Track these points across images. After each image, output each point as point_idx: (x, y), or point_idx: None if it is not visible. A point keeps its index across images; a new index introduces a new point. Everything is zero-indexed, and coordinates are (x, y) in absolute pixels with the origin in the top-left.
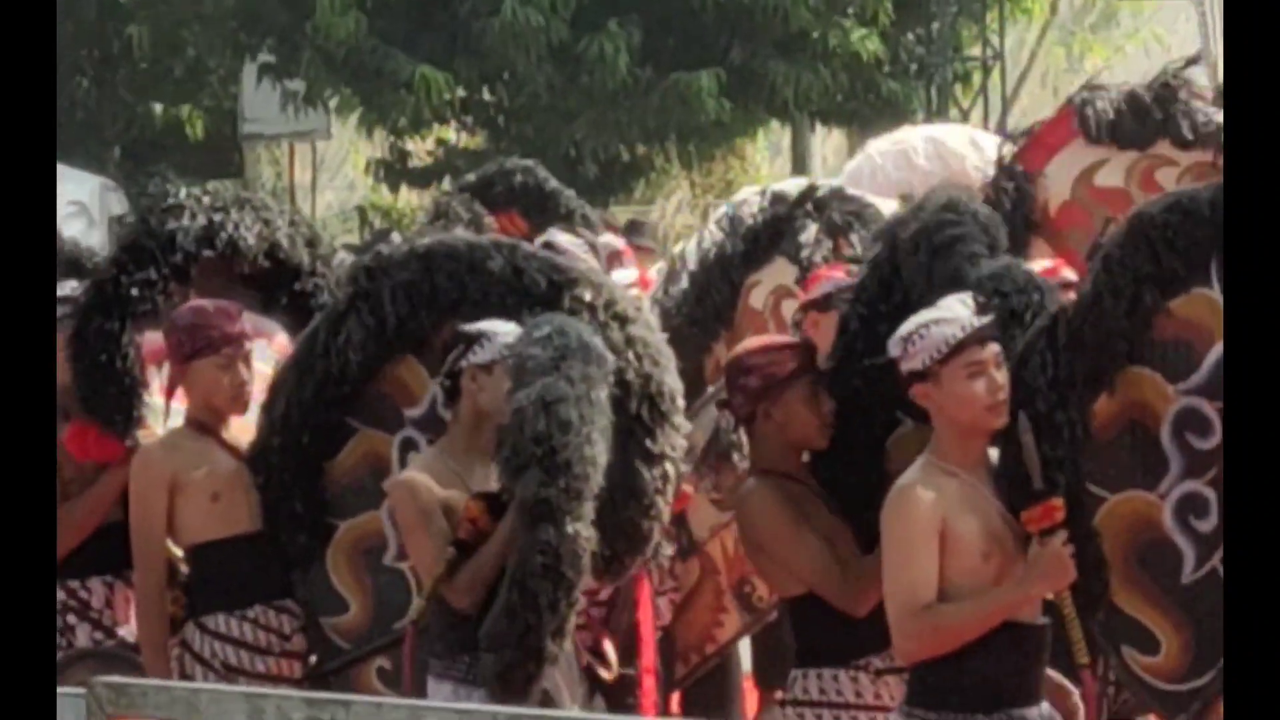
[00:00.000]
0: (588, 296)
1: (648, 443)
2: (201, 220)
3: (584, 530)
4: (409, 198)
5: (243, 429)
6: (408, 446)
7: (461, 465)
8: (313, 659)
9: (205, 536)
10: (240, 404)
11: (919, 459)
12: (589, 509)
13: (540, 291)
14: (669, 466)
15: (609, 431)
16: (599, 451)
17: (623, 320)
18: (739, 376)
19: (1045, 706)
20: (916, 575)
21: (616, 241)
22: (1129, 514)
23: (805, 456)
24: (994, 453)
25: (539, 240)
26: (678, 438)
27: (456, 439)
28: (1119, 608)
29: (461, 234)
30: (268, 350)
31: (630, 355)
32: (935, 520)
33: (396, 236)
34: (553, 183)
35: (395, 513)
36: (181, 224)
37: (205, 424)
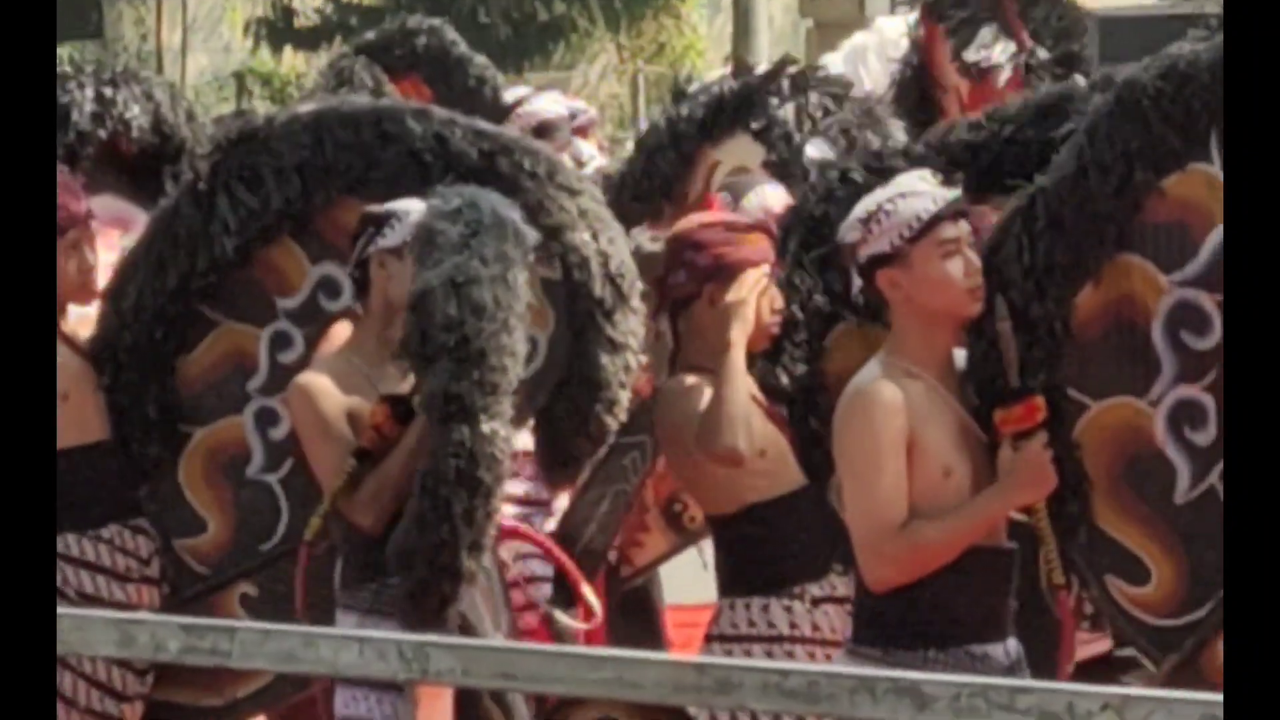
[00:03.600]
0: (527, 164)
1: (609, 329)
2: (90, 93)
3: (502, 429)
4: (294, 62)
5: (81, 321)
6: (280, 342)
7: (370, 365)
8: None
9: None
10: (87, 292)
11: (875, 358)
12: (507, 405)
13: (470, 163)
14: (630, 356)
15: (527, 317)
16: (517, 340)
17: (570, 191)
18: (687, 251)
19: (1012, 643)
20: (889, 490)
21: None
22: (1115, 423)
23: None
24: (960, 355)
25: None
26: (637, 322)
27: (365, 336)
28: (1102, 531)
29: (363, 98)
30: (125, 239)
31: (585, 231)
32: (903, 427)
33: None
34: (461, 47)
35: (294, 419)
36: (73, 97)
37: None
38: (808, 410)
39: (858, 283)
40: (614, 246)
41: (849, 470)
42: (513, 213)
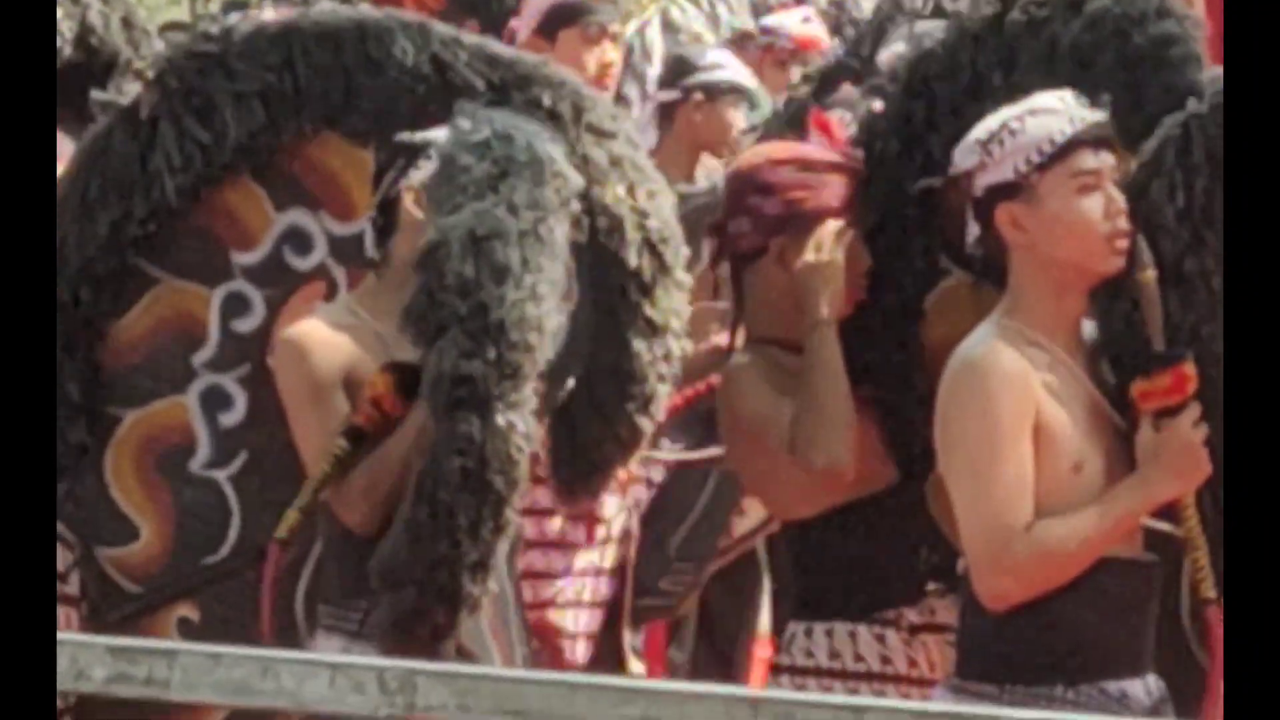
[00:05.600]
0: (547, 100)
1: (646, 307)
2: None
3: (521, 423)
4: None
5: None
6: (234, 305)
7: (384, 323)
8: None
9: None
10: None
11: (987, 321)
12: (529, 393)
13: (476, 95)
14: (672, 341)
15: (563, 285)
16: (547, 312)
17: (601, 134)
18: (751, 194)
19: (1153, 680)
20: (1011, 482)
21: None
22: None
23: None
24: (1089, 327)
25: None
26: (682, 298)
27: (383, 287)
28: None
29: (344, 8)
30: None
31: (618, 184)
32: (1029, 404)
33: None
34: None
35: (278, 380)
36: None
37: None
38: (901, 390)
39: (973, 229)
40: (654, 204)
41: (960, 459)
42: (554, 149)
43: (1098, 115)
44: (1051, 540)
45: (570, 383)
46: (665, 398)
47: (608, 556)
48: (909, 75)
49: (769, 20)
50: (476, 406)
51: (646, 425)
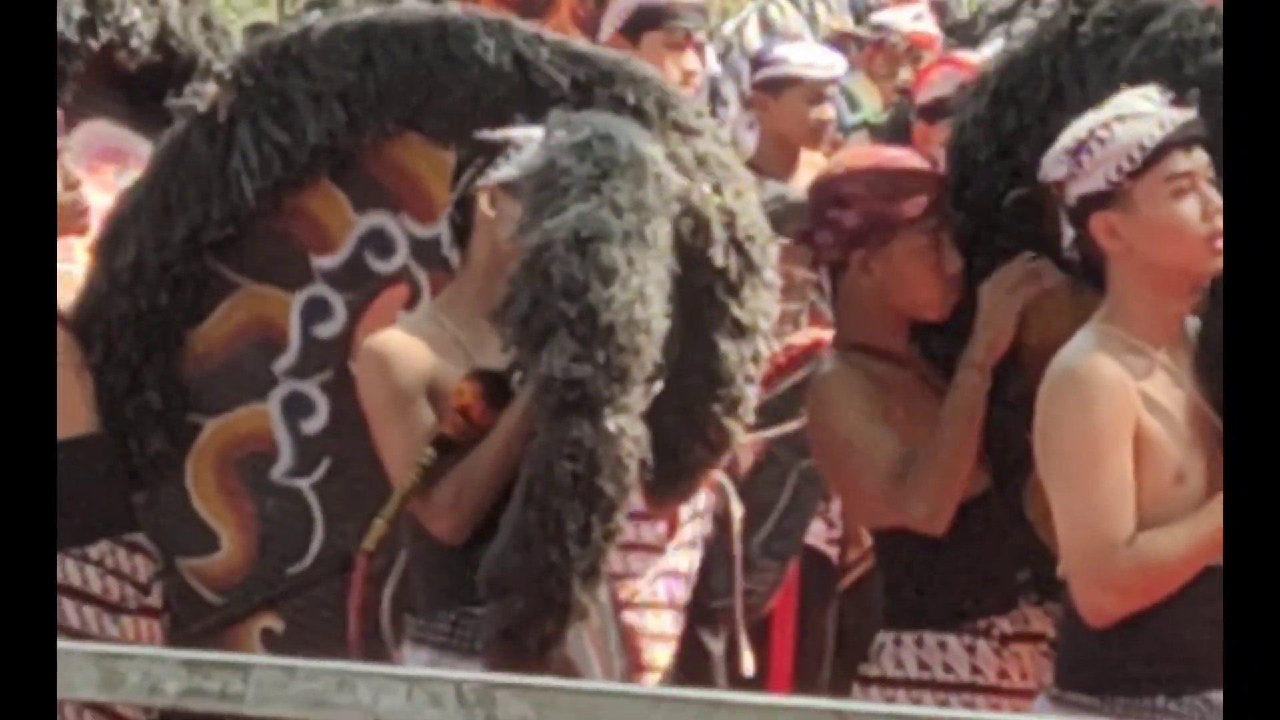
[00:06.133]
0: (631, 97)
1: (734, 308)
2: None
3: (630, 427)
4: None
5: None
6: (315, 310)
7: (467, 330)
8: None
9: None
10: (77, 226)
11: (1087, 327)
12: (639, 397)
13: (560, 93)
14: (760, 342)
15: (668, 288)
16: (654, 314)
17: (686, 131)
18: (831, 207)
19: None
20: (1112, 494)
21: None
22: None
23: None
24: (1193, 325)
25: None
26: (770, 298)
27: (463, 292)
28: None
29: (421, 5)
30: (122, 177)
31: (704, 182)
32: (1128, 415)
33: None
34: None
35: (361, 390)
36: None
37: None
38: (997, 395)
39: (1068, 233)
40: (741, 202)
41: (1059, 470)
42: (654, 149)
43: (1188, 114)
44: (1153, 553)
45: (657, 385)
46: (753, 400)
47: (683, 559)
48: (997, 80)
49: (880, 17)
50: (587, 411)
51: (735, 428)
